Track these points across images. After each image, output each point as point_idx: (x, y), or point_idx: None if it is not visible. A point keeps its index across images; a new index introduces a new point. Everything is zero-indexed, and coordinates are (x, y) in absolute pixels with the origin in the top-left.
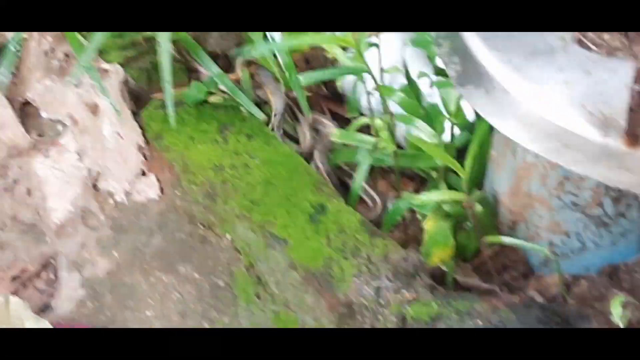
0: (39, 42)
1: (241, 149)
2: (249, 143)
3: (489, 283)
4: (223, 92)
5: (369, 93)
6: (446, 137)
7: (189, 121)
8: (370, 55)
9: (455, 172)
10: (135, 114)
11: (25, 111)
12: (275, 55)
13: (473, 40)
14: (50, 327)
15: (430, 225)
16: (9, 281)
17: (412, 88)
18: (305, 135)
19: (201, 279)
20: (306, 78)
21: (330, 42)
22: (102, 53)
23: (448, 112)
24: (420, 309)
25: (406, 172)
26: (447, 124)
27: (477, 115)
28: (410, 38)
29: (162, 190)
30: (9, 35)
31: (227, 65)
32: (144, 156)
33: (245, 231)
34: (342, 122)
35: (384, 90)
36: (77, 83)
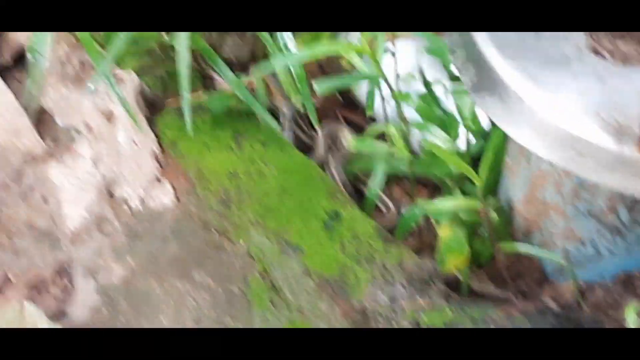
0: (54, 50)
1: (256, 156)
2: (263, 150)
3: (503, 290)
4: (238, 98)
5: (383, 99)
6: (461, 144)
7: (204, 128)
8: (385, 62)
9: (470, 180)
10: (150, 121)
11: (40, 118)
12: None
13: (488, 48)
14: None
15: (444, 232)
16: (24, 288)
17: (430, 94)
18: (320, 143)
19: (216, 285)
20: (321, 86)
21: (346, 50)
22: (116, 60)
23: (463, 119)
24: (435, 316)
25: (421, 179)
26: (462, 131)
27: (492, 122)
28: (425, 46)
29: (176, 197)
30: (28, 36)
31: (241, 72)
32: (159, 163)
33: (260, 238)
34: (357, 129)
35: (399, 97)
36: (93, 90)
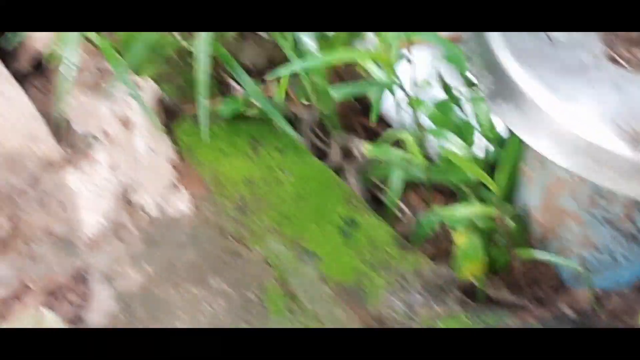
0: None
1: (272, 163)
2: (280, 157)
3: (519, 297)
4: (251, 104)
5: (398, 105)
6: (478, 151)
7: (221, 135)
8: (401, 69)
9: (486, 186)
10: (167, 128)
11: (58, 125)
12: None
13: (505, 56)
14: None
15: (461, 239)
16: (42, 294)
17: (451, 99)
18: (336, 150)
19: (232, 292)
20: (338, 92)
21: (363, 57)
22: (134, 68)
23: (480, 126)
24: (451, 322)
25: (437, 186)
26: (479, 138)
27: (509, 129)
28: (441, 53)
29: (193, 203)
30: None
31: (259, 79)
32: (176, 170)
33: (276, 245)
34: (373, 135)
35: (415, 104)
36: (110, 96)
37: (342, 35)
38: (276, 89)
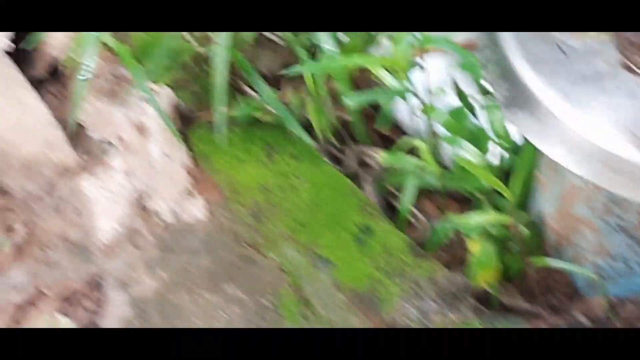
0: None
1: (287, 170)
2: (295, 164)
3: (533, 305)
4: (265, 109)
5: (413, 113)
6: (492, 158)
7: (236, 141)
8: (416, 76)
9: (500, 194)
10: (182, 135)
11: (73, 131)
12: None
13: (520, 63)
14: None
15: (475, 246)
16: (57, 300)
17: (465, 106)
18: (352, 157)
19: (247, 298)
20: (352, 100)
21: (377, 63)
22: (151, 74)
23: (495, 134)
24: None
25: (451, 193)
26: (493, 145)
27: (524, 137)
28: (456, 60)
29: (208, 210)
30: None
31: (275, 86)
32: (191, 176)
33: (291, 251)
34: (388, 143)
35: (430, 111)
36: (125, 103)
37: (357, 41)
38: (292, 96)
